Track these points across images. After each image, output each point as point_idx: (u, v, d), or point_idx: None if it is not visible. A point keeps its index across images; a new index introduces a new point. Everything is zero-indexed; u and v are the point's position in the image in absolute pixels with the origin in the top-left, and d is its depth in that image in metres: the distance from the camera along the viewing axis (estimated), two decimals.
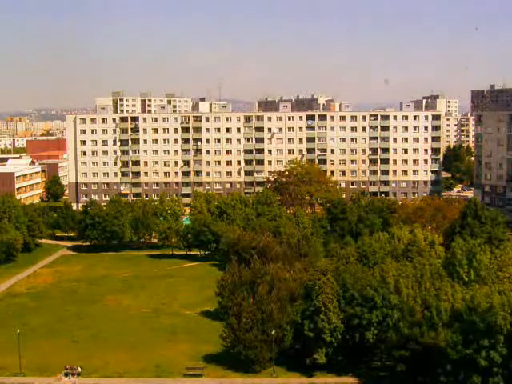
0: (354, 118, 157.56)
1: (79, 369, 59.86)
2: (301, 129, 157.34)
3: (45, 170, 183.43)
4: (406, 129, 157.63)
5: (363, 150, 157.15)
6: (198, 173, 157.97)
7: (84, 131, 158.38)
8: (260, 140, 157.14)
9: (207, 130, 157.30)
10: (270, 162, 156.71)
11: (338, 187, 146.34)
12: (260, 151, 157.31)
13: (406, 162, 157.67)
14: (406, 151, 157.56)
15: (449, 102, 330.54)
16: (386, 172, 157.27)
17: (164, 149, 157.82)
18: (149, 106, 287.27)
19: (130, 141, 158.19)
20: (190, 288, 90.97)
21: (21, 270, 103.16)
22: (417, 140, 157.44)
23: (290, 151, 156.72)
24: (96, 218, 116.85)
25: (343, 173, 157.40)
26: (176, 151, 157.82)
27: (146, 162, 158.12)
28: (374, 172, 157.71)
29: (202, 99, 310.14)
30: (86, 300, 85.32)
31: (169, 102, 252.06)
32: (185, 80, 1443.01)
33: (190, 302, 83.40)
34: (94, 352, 65.25)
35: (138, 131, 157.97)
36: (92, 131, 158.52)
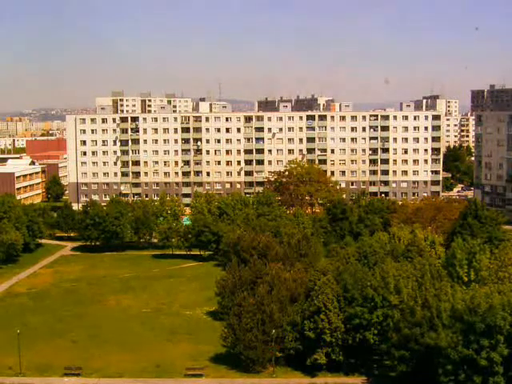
0: (354, 118, 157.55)
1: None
2: (301, 129, 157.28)
3: (45, 170, 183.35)
4: (406, 129, 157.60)
5: (363, 150, 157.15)
6: (198, 173, 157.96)
7: (84, 131, 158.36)
8: (260, 140, 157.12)
9: (207, 130, 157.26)
10: (270, 162, 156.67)
11: (338, 187, 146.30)
12: (260, 151, 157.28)
13: (406, 162, 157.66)
14: (406, 151, 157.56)
15: (449, 102, 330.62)
16: (386, 172, 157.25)
17: (164, 149, 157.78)
18: (149, 106, 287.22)
19: (130, 141, 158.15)
20: (191, 288, 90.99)
21: (21, 270, 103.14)
22: (417, 140, 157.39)
23: (290, 151, 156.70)
24: (96, 218, 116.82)
25: (343, 173, 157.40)
26: (176, 151, 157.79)
27: (146, 162, 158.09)
28: (374, 172, 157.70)
29: (202, 99, 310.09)
30: (86, 300, 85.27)
31: (169, 102, 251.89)
32: (185, 80, 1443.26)
33: (190, 302, 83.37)
34: (94, 352, 65.15)
35: (138, 131, 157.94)
36: (92, 131, 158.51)
